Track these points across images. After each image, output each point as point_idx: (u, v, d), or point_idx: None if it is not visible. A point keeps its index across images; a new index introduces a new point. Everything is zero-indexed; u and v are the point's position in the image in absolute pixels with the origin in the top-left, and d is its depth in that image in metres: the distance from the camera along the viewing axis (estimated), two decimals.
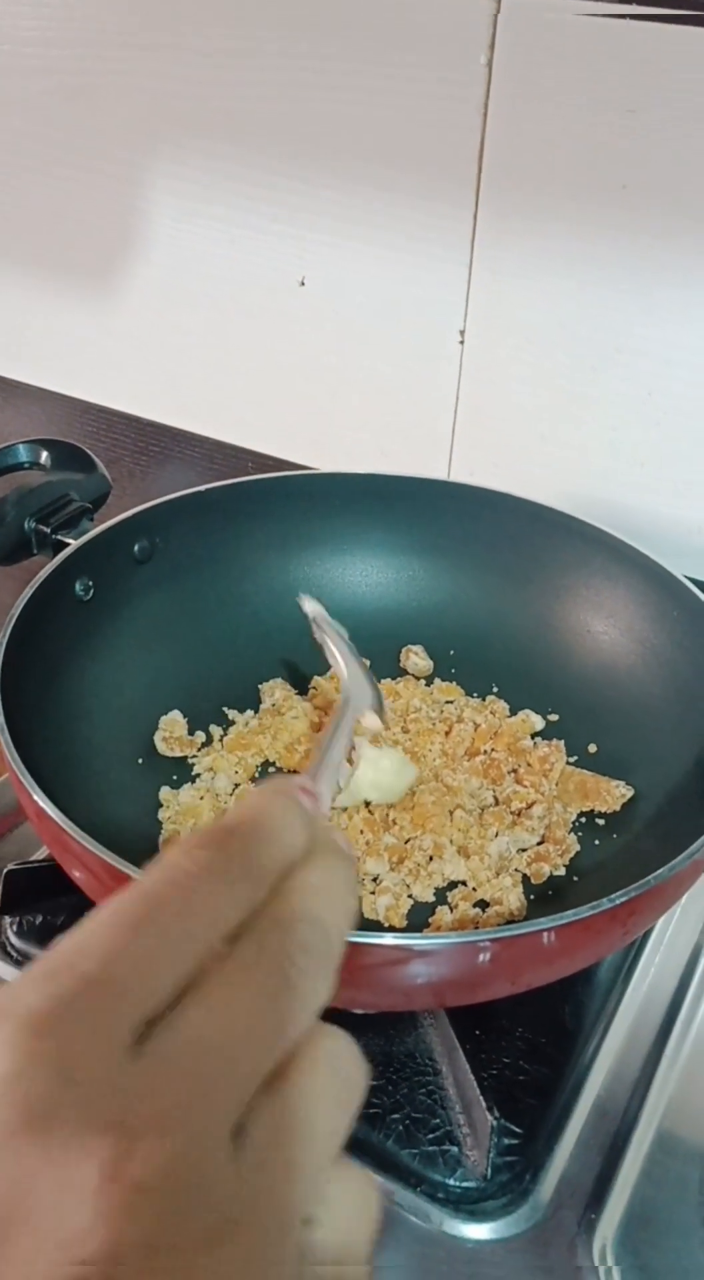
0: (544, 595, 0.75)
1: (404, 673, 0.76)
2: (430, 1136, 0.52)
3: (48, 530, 0.72)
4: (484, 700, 0.73)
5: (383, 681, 0.74)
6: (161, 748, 0.69)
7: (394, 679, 0.75)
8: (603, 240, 0.74)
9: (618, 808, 0.64)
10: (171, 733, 0.69)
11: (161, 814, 0.64)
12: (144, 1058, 0.22)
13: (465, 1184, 0.51)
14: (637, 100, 0.68)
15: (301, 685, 0.74)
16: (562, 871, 0.62)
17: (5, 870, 0.62)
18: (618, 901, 0.46)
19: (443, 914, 0.59)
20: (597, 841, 0.64)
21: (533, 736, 0.70)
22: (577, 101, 0.70)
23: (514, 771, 0.68)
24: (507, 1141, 0.51)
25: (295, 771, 0.68)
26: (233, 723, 0.71)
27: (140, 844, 0.62)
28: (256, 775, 0.68)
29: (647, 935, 0.63)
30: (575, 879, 0.62)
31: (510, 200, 0.76)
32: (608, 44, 0.67)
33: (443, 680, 0.75)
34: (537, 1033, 0.56)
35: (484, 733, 0.70)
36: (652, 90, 0.68)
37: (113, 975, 0.23)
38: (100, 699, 0.67)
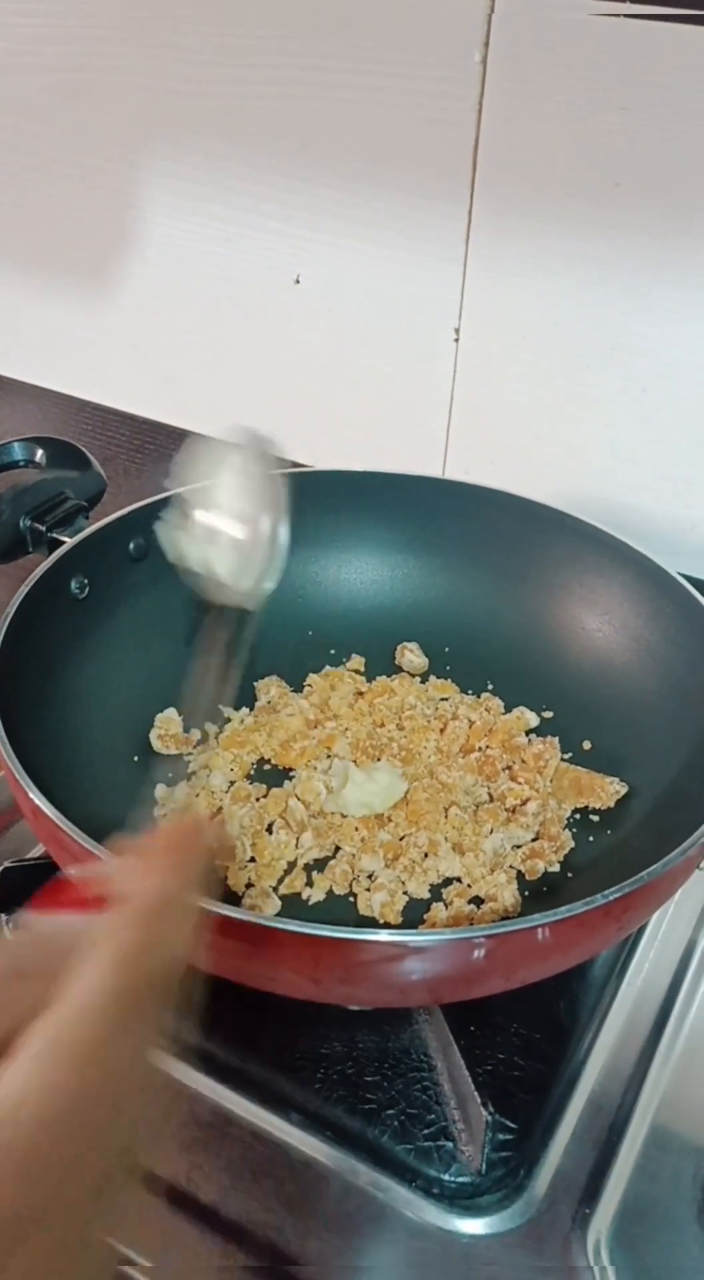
0: (539, 593, 0.75)
1: (399, 670, 0.76)
2: (425, 1132, 0.52)
3: (43, 528, 0.72)
4: (479, 697, 0.73)
5: (378, 679, 0.74)
6: (157, 745, 0.69)
7: (389, 676, 0.75)
8: (598, 239, 0.74)
9: (612, 804, 0.65)
10: (167, 730, 0.69)
11: (157, 811, 0.65)
12: None
13: (460, 1179, 0.51)
14: (631, 98, 0.68)
15: (296, 682, 0.74)
16: (556, 868, 0.62)
17: (1, 868, 0.62)
18: (612, 897, 0.46)
19: (438, 910, 0.59)
20: (591, 838, 0.64)
21: (527, 733, 0.70)
22: (571, 100, 0.70)
23: (509, 768, 0.68)
24: (501, 1137, 0.52)
25: (290, 769, 0.68)
26: (228, 720, 0.72)
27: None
28: (252, 772, 0.68)
29: (641, 931, 0.63)
30: (570, 875, 0.62)
31: (505, 198, 0.76)
32: (602, 42, 0.67)
33: (438, 677, 0.75)
34: (531, 1028, 0.57)
35: (479, 730, 0.70)
36: (646, 88, 0.68)
37: None
38: (96, 697, 0.67)
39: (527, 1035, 0.56)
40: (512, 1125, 0.52)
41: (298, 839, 0.63)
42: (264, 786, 0.67)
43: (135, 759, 0.68)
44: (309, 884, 0.61)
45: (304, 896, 0.61)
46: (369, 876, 0.61)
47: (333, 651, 0.77)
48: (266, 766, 0.69)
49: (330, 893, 0.61)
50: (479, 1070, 0.53)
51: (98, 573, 0.69)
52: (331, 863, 0.62)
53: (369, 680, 0.75)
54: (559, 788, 0.66)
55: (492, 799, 0.66)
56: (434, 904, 0.60)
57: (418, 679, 0.75)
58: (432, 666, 0.76)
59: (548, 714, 0.72)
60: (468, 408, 0.86)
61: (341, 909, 0.60)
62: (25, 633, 0.61)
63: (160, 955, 0.32)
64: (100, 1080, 0.28)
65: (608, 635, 0.71)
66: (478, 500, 0.76)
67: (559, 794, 0.66)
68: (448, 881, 0.61)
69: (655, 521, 0.82)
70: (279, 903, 0.60)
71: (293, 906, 0.60)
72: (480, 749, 0.69)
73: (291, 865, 0.62)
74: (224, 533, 0.55)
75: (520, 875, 0.62)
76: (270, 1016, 0.56)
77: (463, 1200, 0.50)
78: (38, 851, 0.66)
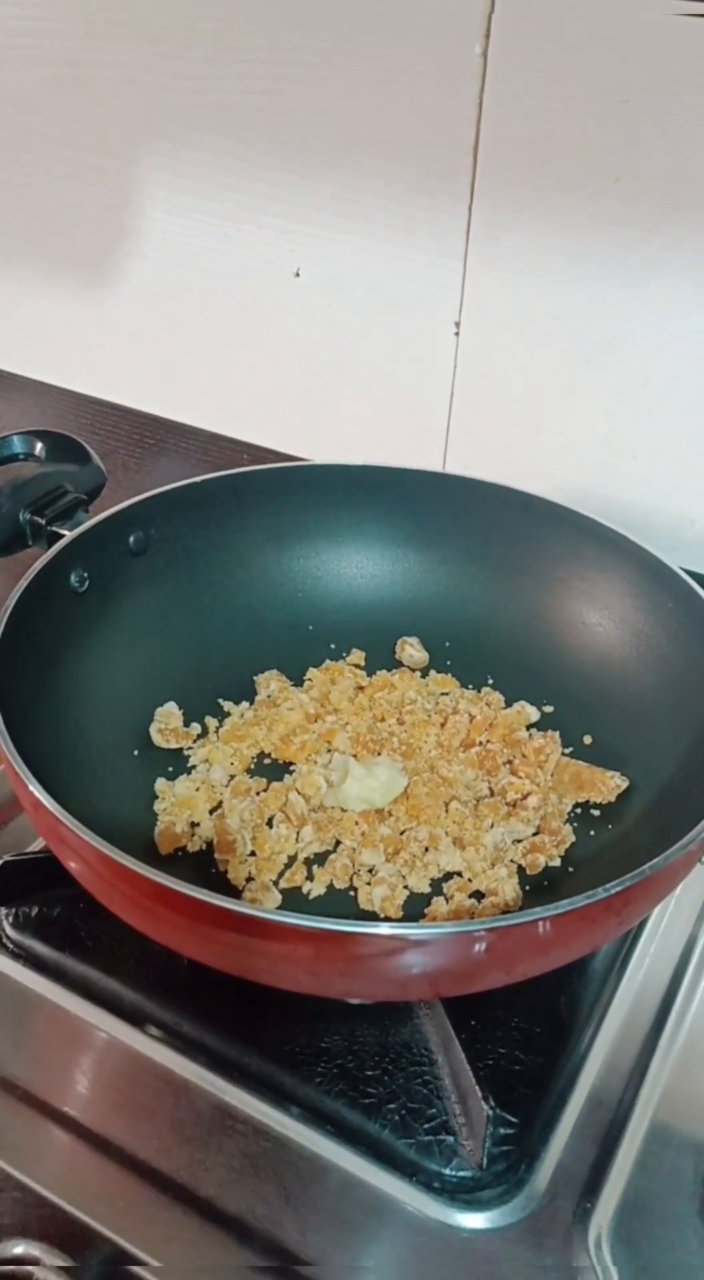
0: (539, 587, 0.75)
1: (399, 665, 0.76)
2: (426, 1126, 0.52)
3: (43, 522, 0.71)
4: (479, 692, 0.73)
5: (378, 674, 0.74)
6: (157, 739, 0.69)
7: (389, 671, 0.75)
8: (599, 233, 0.74)
9: (613, 799, 0.65)
10: (167, 724, 0.69)
11: (157, 805, 0.65)
12: None
13: (461, 1174, 0.51)
14: (631, 92, 0.68)
15: (297, 677, 0.74)
16: (557, 862, 0.62)
17: (1, 862, 0.62)
18: (613, 891, 0.46)
19: (438, 905, 0.59)
20: (592, 832, 0.64)
21: (528, 728, 0.70)
22: (572, 93, 0.70)
23: (509, 763, 0.68)
24: (502, 1131, 0.52)
25: (290, 763, 0.68)
26: (228, 714, 0.71)
27: (136, 836, 0.62)
28: (252, 766, 0.68)
29: (641, 925, 0.63)
30: (571, 870, 0.62)
31: (506, 192, 0.76)
32: (603, 35, 0.67)
33: (438, 672, 0.75)
34: (532, 1023, 0.56)
35: (479, 724, 0.70)
36: (647, 82, 0.68)
37: None
38: (96, 691, 0.67)
39: (527, 1030, 0.56)
40: (512, 1120, 0.52)
41: (298, 833, 0.63)
42: (264, 780, 0.67)
43: (135, 753, 0.67)
44: (309, 878, 0.61)
45: (304, 890, 0.61)
46: (370, 871, 0.61)
47: (333, 646, 0.77)
48: (267, 761, 0.69)
49: (331, 887, 0.61)
50: (480, 1064, 0.53)
51: (97, 566, 0.69)
52: (332, 857, 0.62)
53: (369, 675, 0.75)
54: (560, 782, 0.66)
55: (492, 793, 0.66)
56: (434, 898, 0.60)
57: (418, 673, 0.75)
58: (432, 661, 0.76)
59: (548, 708, 0.72)
60: (468, 402, 0.86)
61: (342, 903, 0.60)
62: (25, 626, 0.61)
63: None
64: None
65: (608, 630, 0.71)
66: (478, 494, 0.76)
67: (560, 788, 0.66)
68: (448, 876, 0.61)
69: (655, 515, 0.81)
70: (279, 897, 0.60)
71: (293, 900, 0.60)
72: (481, 744, 0.69)
73: (292, 859, 0.62)
74: None
75: (521, 870, 0.62)
76: (271, 1010, 0.56)
77: (464, 1195, 0.50)
78: (37, 845, 0.66)
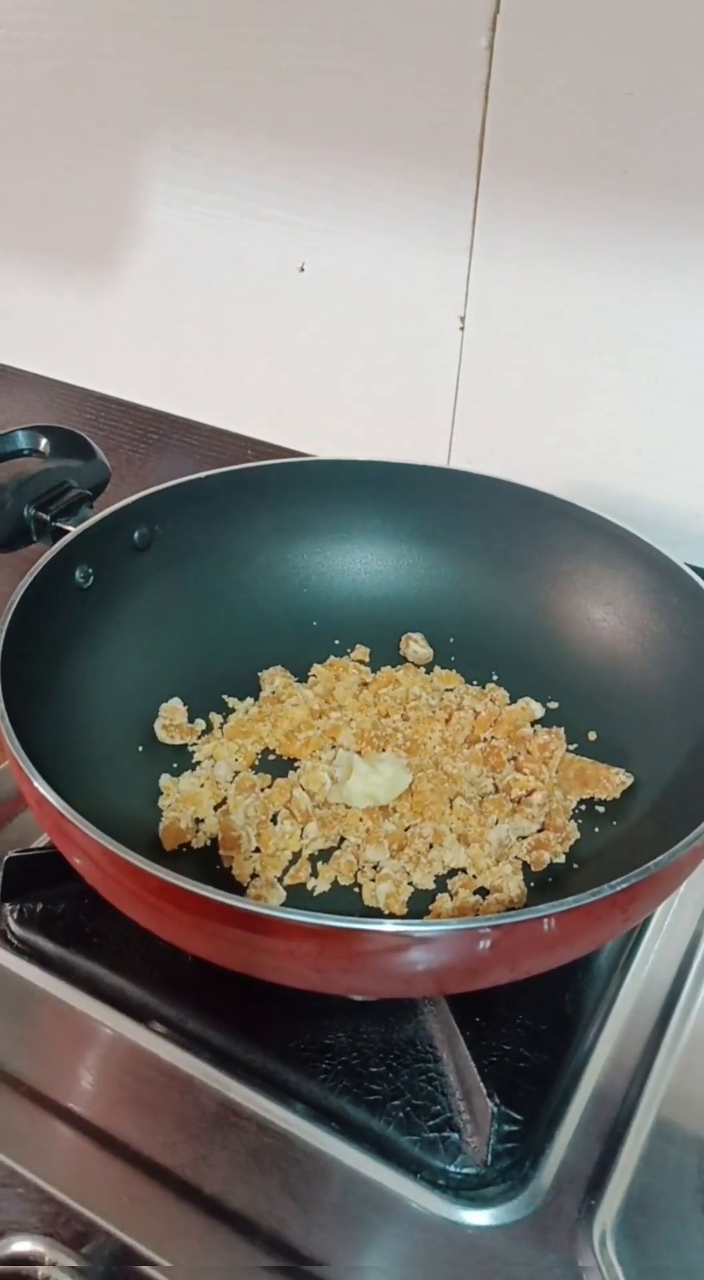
0: (543, 582, 0.75)
1: (404, 660, 0.76)
2: (431, 1123, 0.52)
3: (47, 517, 0.71)
4: (484, 688, 0.73)
5: (383, 670, 0.74)
6: (162, 735, 0.69)
7: (394, 667, 0.75)
8: (604, 226, 0.73)
9: (618, 795, 0.64)
10: (172, 720, 0.69)
11: (162, 802, 0.64)
12: None
13: (466, 1170, 0.51)
14: (638, 83, 0.68)
15: (301, 673, 0.74)
16: (562, 859, 0.62)
17: (6, 858, 0.62)
18: (619, 888, 0.46)
19: (443, 901, 0.59)
20: (597, 829, 0.64)
21: (533, 724, 0.70)
22: (578, 85, 0.70)
23: (514, 759, 0.68)
24: (507, 1128, 0.51)
25: (295, 759, 0.68)
26: (233, 710, 0.71)
27: (140, 832, 0.62)
28: (257, 763, 0.68)
29: (646, 923, 0.63)
30: (575, 866, 0.62)
31: (511, 186, 0.75)
32: (609, 26, 0.67)
33: (443, 668, 0.75)
34: (537, 1020, 0.56)
35: (484, 720, 0.70)
36: (653, 73, 0.67)
37: None
38: (100, 686, 0.67)
39: (532, 1026, 0.56)
40: (517, 1117, 0.52)
41: (303, 829, 0.63)
42: (269, 777, 0.67)
43: (140, 749, 0.67)
44: (314, 874, 0.61)
45: (309, 887, 0.60)
46: (374, 867, 0.61)
47: (337, 642, 0.77)
48: (271, 757, 0.69)
49: (335, 883, 0.61)
50: (484, 1061, 0.53)
51: (102, 562, 0.69)
52: (336, 853, 0.62)
53: (374, 671, 0.74)
54: (564, 779, 0.66)
55: (497, 790, 0.66)
56: (439, 895, 0.60)
57: (423, 669, 0.75)
58: (436, 657, 0.76)
59: (553, 705, 0.71)
60: (472, 397, 0.85)
61: (346, 900, 0.60)
62: (30, 622, 0.61)
63: None
64: None
65: (613, 625, 0.71)
66: (482, 489, 0.76)
67: (564, 785, 0.66)
68: (453, 872, 0.61)
69: (659, 510, 0.81)
70: (284, 893, 0.60)
71: (298, 897, 0.60)
72: (485, 740, 0.69)
73: (296, 856, 0.62)
74: None
75: (526, 866, 0.62)
76: (275, 1007, 0.56)
77: (468, 1191, 0.50)
78: (42, 841, 0.66)
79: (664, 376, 0.77)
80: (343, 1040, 0.55)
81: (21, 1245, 0.48)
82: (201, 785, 0.65)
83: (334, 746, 0.69)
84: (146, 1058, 0.55)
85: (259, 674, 0.74)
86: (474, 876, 0.61)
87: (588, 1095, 0.54)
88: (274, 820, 0.64)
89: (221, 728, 0.70)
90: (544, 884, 0.61)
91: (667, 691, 0.66)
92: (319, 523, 0.78)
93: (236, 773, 0.67)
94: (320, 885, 0.60)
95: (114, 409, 1.06)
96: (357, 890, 0.60)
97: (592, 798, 0.65)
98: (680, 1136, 0.53)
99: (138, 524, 0.71)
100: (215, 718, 0.71)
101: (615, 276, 0.75)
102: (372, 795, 0.64)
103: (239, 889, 0.60)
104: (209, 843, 0.63)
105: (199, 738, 0.69)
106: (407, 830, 0.63)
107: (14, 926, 0.61)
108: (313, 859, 0.62)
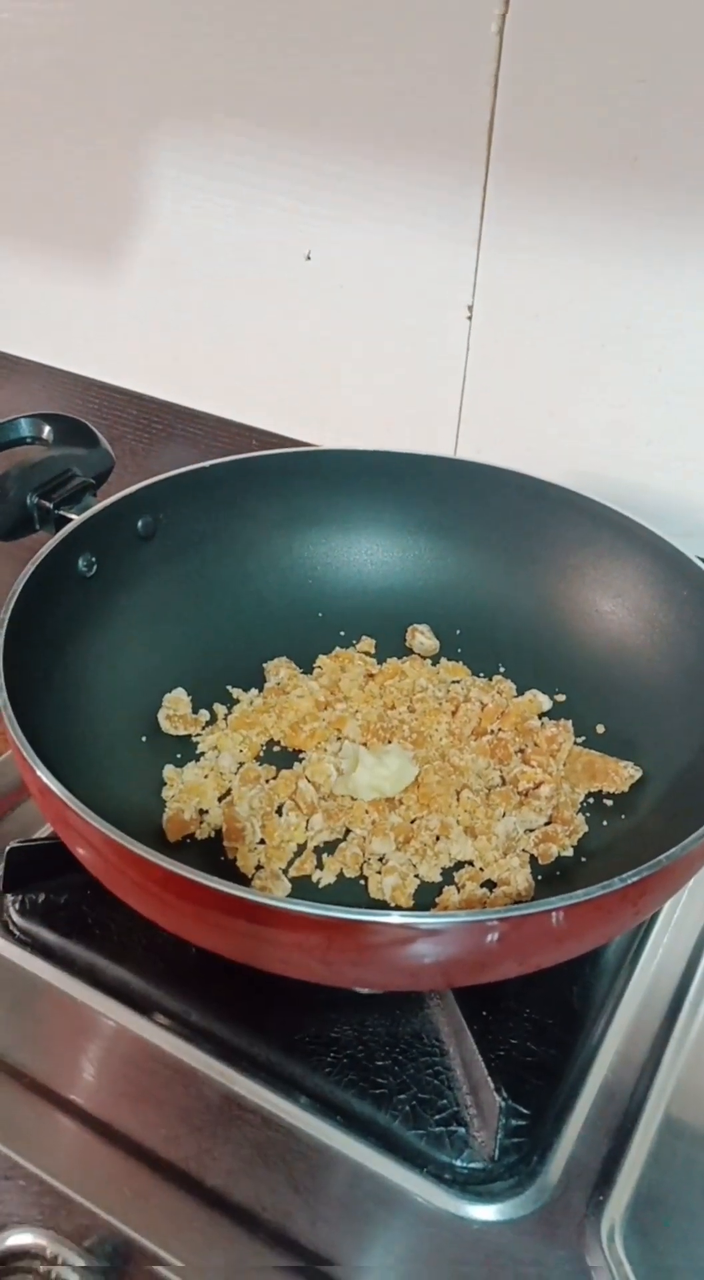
0: (551, 574, 0.74)
1: (410, 652, 0.75)
2: (438, 1117, 0.52)
3: (50, 506, 0.71)
4: (491, 680, 0.73)
5: (389, 661, 0.74)
6: (165, 726, 0.68)
7: (400, 658, 0.74)
8: (613, 216, 0.73)
9: (626, 788, 0.64)
10: (175, 710, 0.68)
11: (165, 792, 0.64)
12: None
13: (473, 1165, 0.50)
14: (649, 71, 0.67)
15: (306, 664, 0.74)
16: (569, 852, 0.62)
17: (8, 848, 0.61)
18: (630, 881, 0.45)
19: (450, 894, 0.58)
20: (605, 822, 0.63)
21: (540, 716, 0.70)
22: (589, 72, 0.69)
23: (521, 751, 0.67)
24: (514, 1123, 0.51)
25: (300, 751, 0.68)
26: (237, 701, 0.71)
27: (144, 822, 0.62)
28: (261, 754, 0.68)
29: (654, 916, 0.63)
30: (583, 860, 0.61)
31: (521, 174, 0.75)
32: (619, 13, 0.66)
33: (449, 660, 0.74)
34: (544, 1014, 0.56)
35: (491, 712, 0.69)
36: (663, 61, 0.67)
37: None
38: (104, 676, 0.66)
39: (539, 1021, 0.56)
40: (524, 1111, 0.52)
41: (308, 821, 0.62)
42: (274, 768, 0.66)
43: (143, 739, 0.67)
44: (319, 866, 0.60)
45: (314, 879, 0.60)
46: (380, 859, 0.61)
47: (343, 633, 0.76)
48: (276, 748, 0.68)
49: (341, 875, 0.60)
50: (492, 1056, 0.52)
51: (106, 551, 0.68)
52: (342, 845, 0.61)
53: (380, 662, 0.74)
54: (572, 771, 0.66)
55: (504, 782, 0.66)
56: (446, 887, 0.59)
57: (429, 661, 0.74)
58: (443, 649, 0.75)
59: (561, 697, 0.71)
60: (480, 387, 0.85)
61: (352, 892, 0.59)
62: (33, 611, 0.60)
63: None
64: None
65: (621, 618, 0.71)
66: (490, 480, 0.75)
67: (572, 778, 0.65)
68: (460, 865, 0.61)
69: (668, 502, 0.81)
70: (289, 885, 0.59)
71: (303, 889, 0.59)
72: (492, 732, 0.68)
73: (301, 848, 0.62)
74: None
75: (533, 859, 0.61)
76: (280, 999, 0.56)
77: (475, 1186, 0.50)
78: (45, 831, 0.66)
79: (672, 367, 0.76)
80: (348, 1033, 0.55)
81: (23, 1238, 0.47)
82: (206, 776, 0.65)
83: (340, 738, 0.68)
84: (149, 1050, 0.55)
85: (264, 665, 0.73)
86: (481, 869, 0.60)
87: (596, 1090, 0.54)
88: (279, 812, 0.63)
89: (226, 719, 0.69)
90: (552, 877, 0.60)
91: (676, 684, 0.66)
92: (325, 512, 0.77)
93: (241, 764, 0.66)
94: (326, 878, 0.60)
95: (118, 398, 1.05)
96: (362, 883, 0.60)
97: (600, 791, 0.65)
98: (689, 1132, 0.53)
99: (141, 513, 0.71)
100: (220, 708, 0.70)
101: (625, 267, 0.74)
102: (377, 787, 0.64)
103: (243, 881, 0.59)
104: (213, 834, 0.62)
105: (203, 728, 0.69)
106: (413, 823, 0.62)
107: (16, 917, 0.61)
108: (318, 851, 0.62)
